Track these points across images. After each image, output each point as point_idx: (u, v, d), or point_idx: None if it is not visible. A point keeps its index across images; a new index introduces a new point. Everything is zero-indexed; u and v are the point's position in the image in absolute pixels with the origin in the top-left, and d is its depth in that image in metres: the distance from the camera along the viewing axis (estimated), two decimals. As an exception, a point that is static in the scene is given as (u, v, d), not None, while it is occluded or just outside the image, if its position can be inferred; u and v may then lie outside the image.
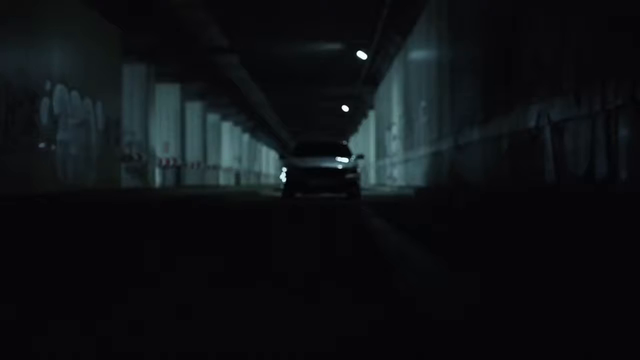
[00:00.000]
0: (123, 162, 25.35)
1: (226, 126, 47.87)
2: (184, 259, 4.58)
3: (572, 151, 8.36)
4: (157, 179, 33.00)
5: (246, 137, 58.27)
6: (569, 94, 8.35)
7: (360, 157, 19.51)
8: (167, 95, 32.25)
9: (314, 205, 13.78)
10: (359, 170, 17.93)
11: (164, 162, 32.67)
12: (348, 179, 17.48)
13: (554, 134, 8.96)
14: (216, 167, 43.26)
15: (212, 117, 41.89)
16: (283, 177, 18.24)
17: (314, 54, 31.20)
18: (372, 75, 34.80)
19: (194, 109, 36.68)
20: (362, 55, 30.56)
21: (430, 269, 4.07)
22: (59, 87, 17.51)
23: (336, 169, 17.55)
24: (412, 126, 23.43)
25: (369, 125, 43.72)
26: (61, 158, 17.74)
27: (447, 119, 17.12)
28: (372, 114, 41.33)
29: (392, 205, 13.17)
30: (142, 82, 26.42)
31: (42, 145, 16.57)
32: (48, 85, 16.92)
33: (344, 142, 20.69)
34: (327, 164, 17.72)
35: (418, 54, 22.26)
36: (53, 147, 17.23)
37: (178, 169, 33.07)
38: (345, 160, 18.11)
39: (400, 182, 26.94)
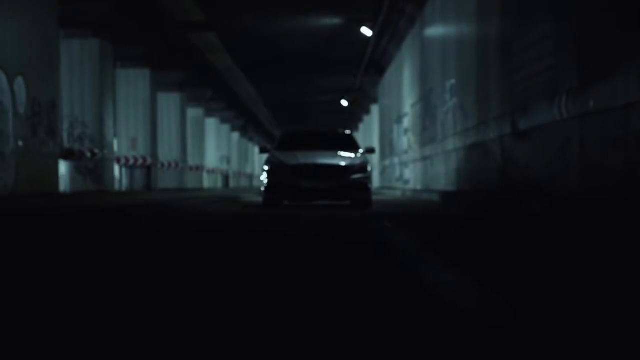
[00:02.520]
0: (68, 159, 20.28)
1: (211, 123, 43.06)
2: None
3: None
4: (124, 181, 27.99)
5: (236, 136, 53.57)
6: None
7: (371, 151, 14.49)
8: (134, 83, 27.18)
9: (306, 218, 8.68)
10: (369, 168, 12.80)
11: (131, 161, 27.50)
12: (354, 181, 12.44)
13: None
14: (199, 168, 38.21)
15: (195, 112, 37.03)
16: (264, 179, 13.18)
17: (309, 31, 26.03)
18: (377, 61, 29.67)
19: (170, 100, 31.72)
20: (366, 31, 25.43)
21: None
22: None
23: (338, 167, 12.52)
24: (434, 114, 18.33)
25: (371, 122, 39.15)
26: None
27: (495, 97, 12.05)
28: (375, 109, 36.73)
29: (435, 223, 8.11)
30: (96, 62, 21.37)
31: None
32: None
33: (347, 132, 15.38)
34: (325, 160, 12.70)
35: (444, 20, 17.19)
36: None
37: (148, 169, 27.87)
38: (350, 155, 13.09)
39: (414, 184, 21.95)
